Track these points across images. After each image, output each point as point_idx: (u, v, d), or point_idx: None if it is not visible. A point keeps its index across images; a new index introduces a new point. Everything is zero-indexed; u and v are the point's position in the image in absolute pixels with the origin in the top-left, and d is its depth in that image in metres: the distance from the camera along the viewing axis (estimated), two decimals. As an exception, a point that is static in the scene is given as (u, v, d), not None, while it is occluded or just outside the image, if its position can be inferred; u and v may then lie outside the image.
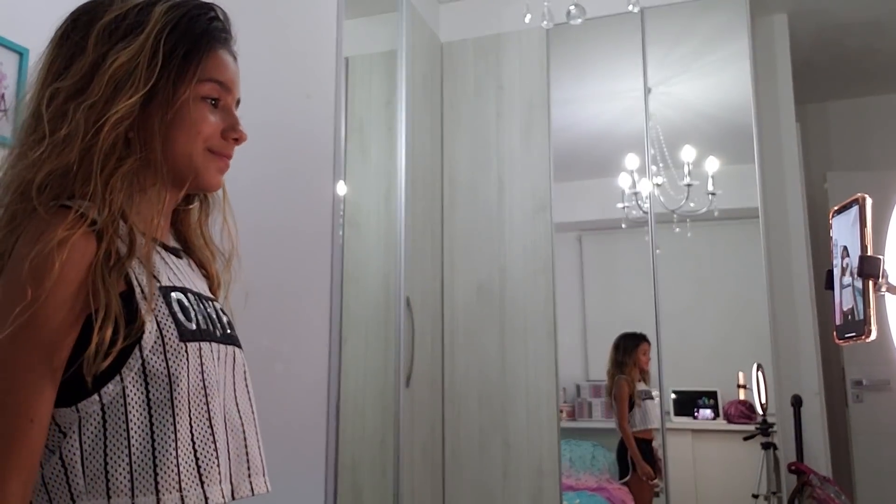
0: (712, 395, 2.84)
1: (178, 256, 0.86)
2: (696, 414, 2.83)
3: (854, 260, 0.87)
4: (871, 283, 0.84)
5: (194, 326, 0.75)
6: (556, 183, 2.78)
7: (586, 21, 2.17)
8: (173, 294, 0.75)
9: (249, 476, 0.79)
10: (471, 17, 3.04)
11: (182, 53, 0.78)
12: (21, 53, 1.58)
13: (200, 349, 0.75)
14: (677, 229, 2.80)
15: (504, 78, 2.93)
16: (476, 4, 3.05)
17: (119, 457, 0.68)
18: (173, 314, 0.73)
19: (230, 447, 0.77)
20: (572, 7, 2.09)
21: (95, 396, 0.69)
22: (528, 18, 2.19)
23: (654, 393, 2.71)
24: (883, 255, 0.86)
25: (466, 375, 2.80)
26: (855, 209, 0.88)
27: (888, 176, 2.78)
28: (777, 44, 2.88)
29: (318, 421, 1.91)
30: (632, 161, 2.85)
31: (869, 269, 0.84)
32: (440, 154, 2.96)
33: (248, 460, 0.79)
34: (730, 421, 2.77)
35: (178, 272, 0.81)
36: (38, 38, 1.65)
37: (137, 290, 0.72)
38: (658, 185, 2.80)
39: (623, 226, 2.87)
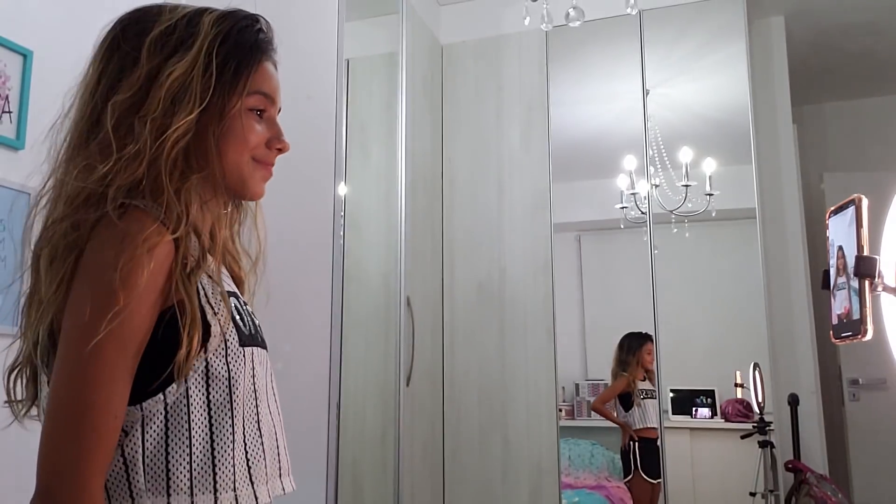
0: (710, 393, 2.85)
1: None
2: (693, 412, 2.85)
3: (850, 260, 0.88)
4: (867, 282, 0.86)
5: (248, 332, 0.79)
6: (555, 183, 2.80)
7: (585, 23, 2.18)
8: (232, 300, 0.78)
9: (280, 475, 0.82)
10: (470, 19, 3.05)
11: (233, 67, 0.80)
12: (25, 55, 1.59)
13: (253, 354, 0.78)
14: (675, 230, 2.82)
15: (504, 79, 2.94)
16: (476, 7, 3.06)
17: (180, 456, 0.71)
18: (234, 319, 0.77)
19: (268, 451, 0.80)
20: (571, 9, 2.10)
21: (160, 396, 0.71)
22: (527, 21, 2.20)
23: (643, 389, 2.73)
24: (879, 255, 0.87)
25: (466, 375, 2.81)
26: (851, 210, 0.89)
27: (884, 177, 2.80)
28: (774, 46, 2.90)
29: (319, 420, 1.92)
30: (630, 162, 2.86)
31: (865, 268, 0.86)
32: (440, 155, 2.97)
33: (279, 460, 0.82)
34: (727, 419, 2.78)
35: (227, 278, 0.84)
36: (41, 39, 1.66)
37: (203, 296, 0.74)
38: (656, 186, 2.82)
39: (622, 226, 2.89)
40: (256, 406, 0.77)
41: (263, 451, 0.77)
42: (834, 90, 3.65)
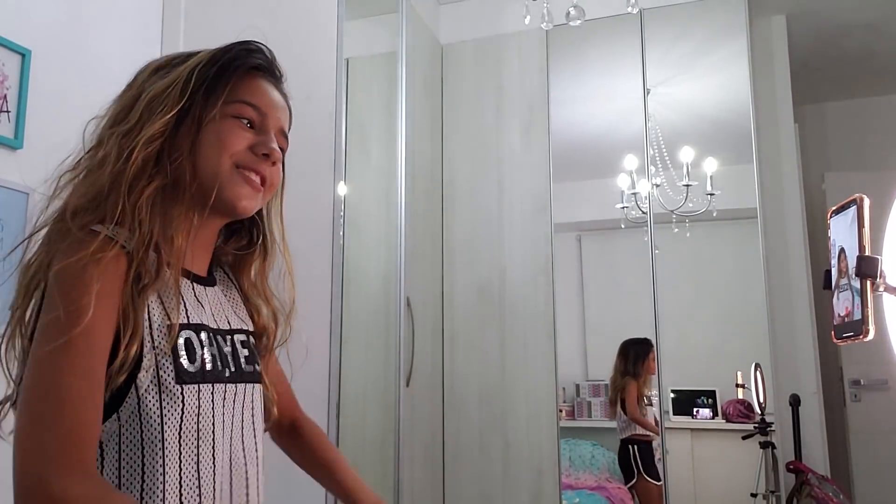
0: (711, 394, 2.85)
1: (208, 284, 0.85)
2: (694, 413, 2.84)
3: (852, 260, 0.88)
4: (869, 282, 0.85)
5: (196, 368, 0.75)
6: (555, 183, 2.79)
7: (585, 22, 2.18)
8: (183, 333, 0.75)
9: None
10: (470, 18, 3.04)
11: (213, 75, 0.80)
12: (23, 54, 1.59)
13: (199, 391, 0.74)
14: (676, 229, 2.81)
15: (504, 79, 2.94)
16: (476, 6, 3.05)
17: None
18: (175, 355, 0.73)
19: (233, 489, 0.78)
20: (571, 8, 2.09)
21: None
22: (527, 20, 2.19)
23: (653, 394, 2.73)
24: (881, 255, 0.87)
25: (466, 375, 2.80)
26: (853, 209, 0.89)
27: (886, 176, 2.79)
28: (775, 45, 2.89)
29: (319, 421, 1.90)
30: (631, 161, 2.86)
31: (867, 268, 0.85)
32: (440, 154, 2.96)
33: (247, 500, 0.80)
34: (728, 420, 2.78)
35: (200, 305, 0.80)
36: (40, 39, 1.66)
37: (146, 327, 0.72)
38: (657, 186, 2.81)
39: (622, 226, 2.88)
40: (198, 447, 0.74)
41: (200, 496, 0.73)
42: (835, 89, 3.65)
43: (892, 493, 3.03)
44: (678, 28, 2.86)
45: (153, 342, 0.71)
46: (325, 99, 2.04)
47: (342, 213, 2.28)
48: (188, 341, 0.75)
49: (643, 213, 2.78)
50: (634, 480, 2.76)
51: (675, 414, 2.82)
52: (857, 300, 0.86)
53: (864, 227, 0.86)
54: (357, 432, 2.44)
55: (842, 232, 0.92)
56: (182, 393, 0.72)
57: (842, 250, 0.92)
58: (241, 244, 0.91)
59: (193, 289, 0.81)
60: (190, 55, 0.83)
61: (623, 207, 2.88)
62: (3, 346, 0.75)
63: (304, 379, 1.91)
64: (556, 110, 2.84)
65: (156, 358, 0.71)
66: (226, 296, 0.87)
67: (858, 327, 0.86)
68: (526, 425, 2.69)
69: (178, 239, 0.77)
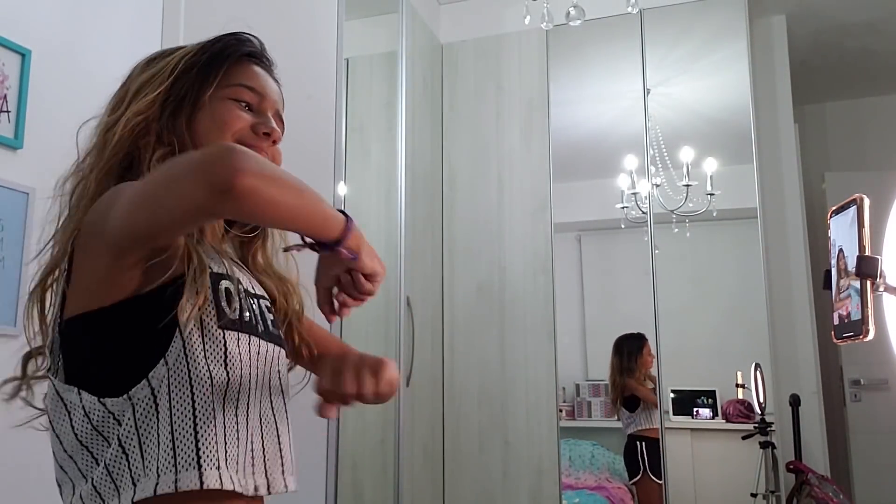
0: (711, 394, 2.85)
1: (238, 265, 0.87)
2: (694, 413, 2.84)
3: (851, 260, 0.88)
4: (869, 282, 0.85)
5: (236, 316, 0.76)
6: (555, 183, 2.79)
7: (585, 22, 2.18)
8: (223, 282, 0.76)
9: (283, 473, 0.80)
10: (471, 18, 3.04)
11: (205, 61, 0.82)
12: (23, 54, 1.58)
13: (238, 339, 0.75)
14: (676, 229, 2.81)
15: (504, 79, 2.94)
16: (476, 6, 3.05)
17: (164, 435, 0.70)
18: (217, 300, 0.74)
19: (265, 444, 0.78)
20: (572, 8, 2.09)
21: (144, 381, 0.70)
22: (527, 20, 2.19)
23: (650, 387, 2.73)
24: (881, 255, 0.87)
25: (466, 375, 2.80)
26: (853, 209, 0.89)
27: (886, 176, 2.80)
28: (775, 45, 2.89)
29: (319, 421, 1.91)
30: (631, 161, 2.86)
31: (867, 268, 0.85)
32: (440, 154, 2.96)
33: (282, 458, 0.80)
34: (728, 420, 2.77)
35: (227, 267, 0.81)
36: (40, 38, 1.66)
37: (190, 273, 0.73)
38: (657, 186, 2.81)
39: (622, 226, 2.88)
40: (238, 393, 0.74)
41: (237, 441, 0.73)
42: (835, 89, 3.65)
43: (892, 493, 3.04)
44: (678, 28, 2.86)
45: (196, 289, 0.72)
46: (325, 99, 2.04)
47: (342, 213, 2.27)
48: (227, 290, 0.76)
49: (643, 213, 2.78)
50: (639, 477, 2.75)
51: (675, 414, 2.82)
52: (857, 300, 0.86)
53: (864, 227, 0.87)
54: (357, 432, 2.44)
55: (842, 232, 0.92)
56: (224, 337, 0.73)
57: (840, 250, 0.92)
58: (244, 230, 0.92)
59: (220, 257, 0.83)
60: (180, 48, 0.85)
61: (623, 207, 2.88)
62: (26, 311, 0.77)
63: (304, 379, 1.91)
64: (556, 110, 2.84)
65: (198, 303, 0.72)
66: (250, 276, 0.89)
67: (858, 327, 0.86)
68: (526, 425, 2.69)
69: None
